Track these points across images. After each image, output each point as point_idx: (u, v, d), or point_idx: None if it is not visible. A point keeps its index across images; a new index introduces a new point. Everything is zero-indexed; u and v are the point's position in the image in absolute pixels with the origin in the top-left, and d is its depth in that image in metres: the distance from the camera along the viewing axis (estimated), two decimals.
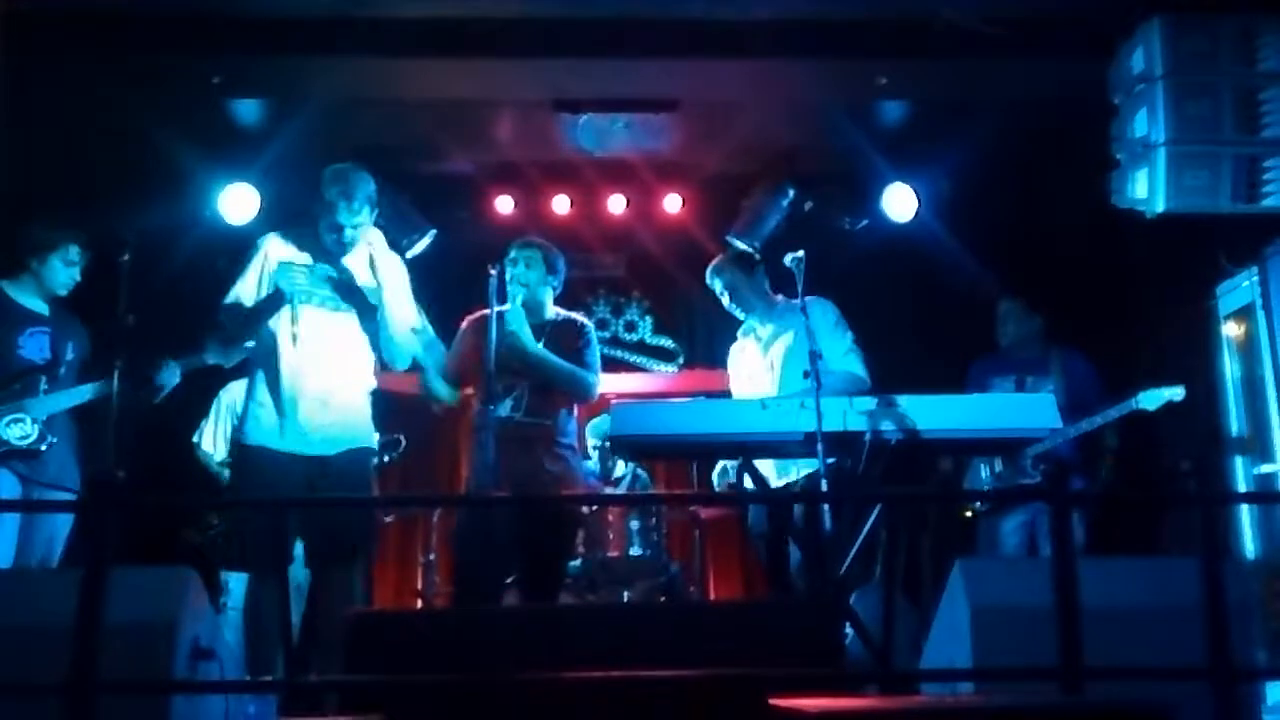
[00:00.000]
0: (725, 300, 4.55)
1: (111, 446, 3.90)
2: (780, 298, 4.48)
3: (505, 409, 3.99)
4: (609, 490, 5.77)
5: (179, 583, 2.73)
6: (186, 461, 5.29)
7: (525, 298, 4.09)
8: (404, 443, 5.03)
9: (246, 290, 3.83)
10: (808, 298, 4.10)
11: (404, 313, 3.94)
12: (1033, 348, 5.13)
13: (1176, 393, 4.71)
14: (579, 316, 4.34)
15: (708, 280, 4.58)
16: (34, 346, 4.28)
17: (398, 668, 2.76)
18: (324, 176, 3.84)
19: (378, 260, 3.92)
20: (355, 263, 3.89)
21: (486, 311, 3.98)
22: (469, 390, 4.19)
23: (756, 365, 4.46)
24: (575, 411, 4.27)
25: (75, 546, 4.26)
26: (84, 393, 4.25)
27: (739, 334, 4.63)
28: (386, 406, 4.23)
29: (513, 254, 4.17)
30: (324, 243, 3.85)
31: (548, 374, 4.06)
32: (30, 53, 4.54)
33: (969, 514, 5.12)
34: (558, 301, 4.32)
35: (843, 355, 4.25)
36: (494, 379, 3.89)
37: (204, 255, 5.41)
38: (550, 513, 4.09)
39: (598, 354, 4.24)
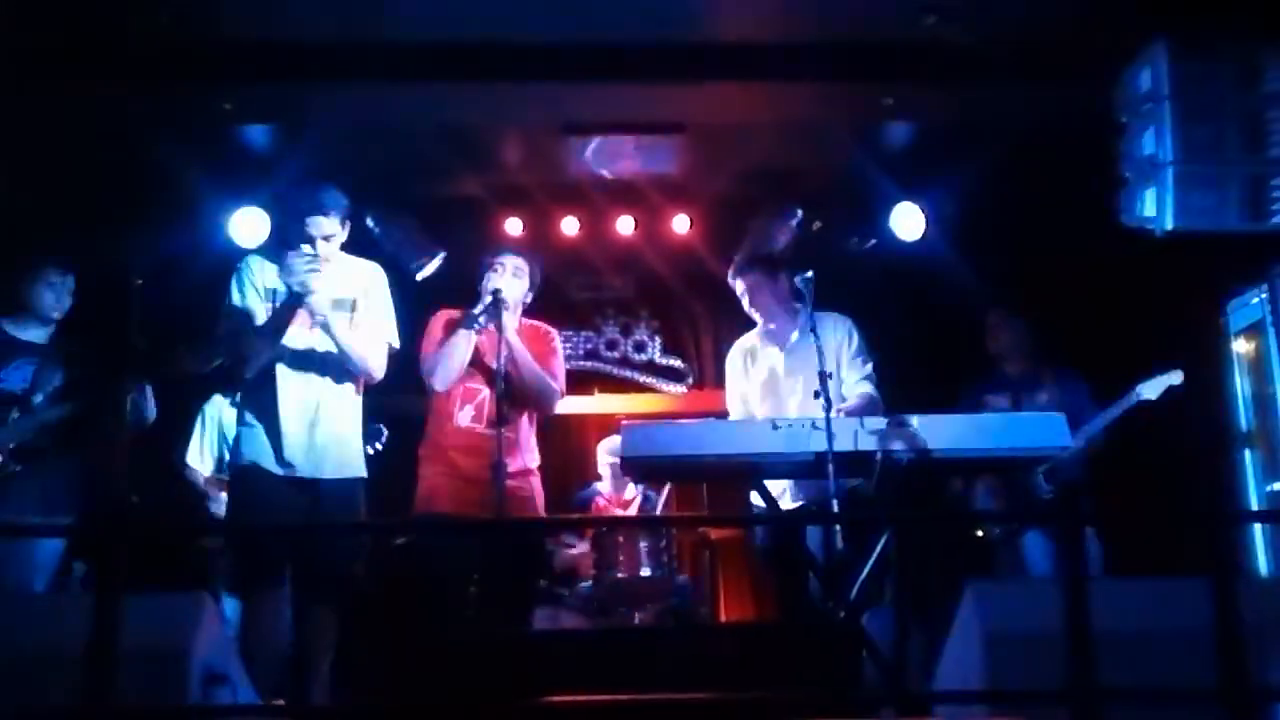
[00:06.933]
0: (745, 303, 4.37)
1: (117, 471, 3.86)
2: (799, 308, 4.30)
3: (466, 418, 3.92)
4: (619, 512, 5.76)
5: (192, 608, 2.73)
6: (171, 480, 5.23)
7: (508, 300, 4.05)
8: (385, 432, 4.99)
9: (253, 310, 3.82)
10: (831, 313, 4.09)
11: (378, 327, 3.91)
12: (1025, 363, 5.09)
13: (1175, 377, 4.62)
14: (544, 325, 4.29)
15: (729, 278, 4.42)
16: (17, 377, 4.28)
17: (404, 693, 2.75)
18: (292, 195, 3.88)
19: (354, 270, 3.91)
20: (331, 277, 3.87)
21: (457, 313, 4.00)
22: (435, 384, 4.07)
23: (766, 375, 4.32)
24: (534, 424, 4.18)
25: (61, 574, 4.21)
26: (27, 422, 4.18)
27: (752, 339, 4.44)
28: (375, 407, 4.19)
29: (503, 258, 4.18)
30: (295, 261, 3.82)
31: (519, 368, 3.96)
32: (40, 80, 4.59)
33: (979, 534, 5.10)
34: (553, 315, 4.34)
35: (857, 381, 4.19)
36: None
37: (215, 279, 5.41)
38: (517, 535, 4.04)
39: (563, 365, 4.21)
